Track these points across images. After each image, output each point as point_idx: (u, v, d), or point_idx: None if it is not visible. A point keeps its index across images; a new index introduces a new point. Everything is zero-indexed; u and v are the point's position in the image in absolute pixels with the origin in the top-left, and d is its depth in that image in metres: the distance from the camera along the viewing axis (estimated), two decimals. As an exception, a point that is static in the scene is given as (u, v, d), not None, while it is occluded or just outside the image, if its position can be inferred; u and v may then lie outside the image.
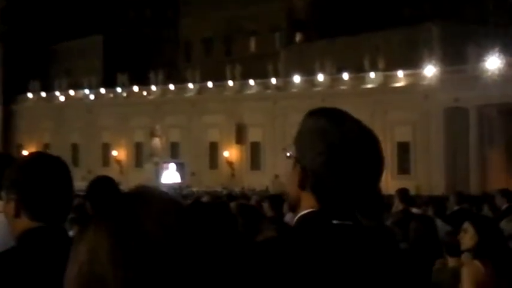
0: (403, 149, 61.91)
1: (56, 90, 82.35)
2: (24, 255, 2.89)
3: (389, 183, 52.59)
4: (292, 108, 61.25)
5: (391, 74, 62.48)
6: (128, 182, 53.55)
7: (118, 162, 76.06)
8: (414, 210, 11.45)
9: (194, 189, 50.87)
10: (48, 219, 2.98)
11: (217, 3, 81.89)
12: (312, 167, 2.31)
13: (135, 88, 76.38)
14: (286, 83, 68.52)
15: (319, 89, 65.40)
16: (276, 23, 79.90)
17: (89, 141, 78.31)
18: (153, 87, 75.98)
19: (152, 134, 61.96)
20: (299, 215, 2.35)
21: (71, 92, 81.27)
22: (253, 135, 69.19)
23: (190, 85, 73.91)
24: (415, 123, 60.57)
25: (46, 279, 2.79)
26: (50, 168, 3.03)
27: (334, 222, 2.28)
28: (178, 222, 1.66)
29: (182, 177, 57.57)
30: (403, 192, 11.23)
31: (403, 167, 61.64)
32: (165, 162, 59.16)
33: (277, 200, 10.36)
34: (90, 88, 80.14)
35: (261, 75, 68.98)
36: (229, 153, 70.50)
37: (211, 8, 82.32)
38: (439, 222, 10.66)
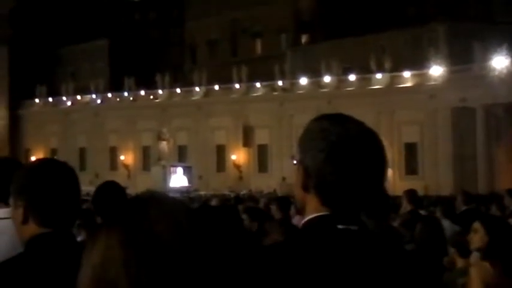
0: (411, 149, 61.89)
1: (63, 94, 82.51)
2: (32, 261, 2.89)
3: (397, 183, 52.64)
4: (298, 110, 61.30)
5: (397, 75, 62.43)
6: (135, 186, 53.78)
7: (125, 166, 76.15)
8: (422, 211, 11.43)
9: (202, 192, 50.89)
10: (56, 224, 2.98)
11: (223, 5, 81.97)
12: (314, 165, 2.31)
13: (142, 91, 76.50)
14: (293, 85, 68.54)
15: (325, 90, 65.41)
16: (282, 24, 79.93)
17: (96, 145, 78.42)
18: (160, 91, 76.08)
19: (159, 138, 61.91)
20: (304, 220, 2.35)
21: (78, 97, 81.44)
22: (260, 137, 69.19)
23: (197, 88, 73.99)
24: (422, 124, 60.53)
25: (54, 284, 2.79)
26: (57, 174, 3.04)
27: (340, 227, 2.28)
28: (188, 225, 1.66)
29: (190, 180, 57.60)
30: (411, 194, 11.23)
31: (411, 168, 61.65)
32: (173, 165, 59.17)
33: (285, 202, 10.38)
34: (96, 92, 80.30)
35: (267, 77, 69.00)
36: (237, 156, 70.53)
37: (217, 10, 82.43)
38: (447, 223, 10.65)
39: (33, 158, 73.84)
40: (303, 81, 67.53)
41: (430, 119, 59.58)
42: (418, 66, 60.44)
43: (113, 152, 78.25)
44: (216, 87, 72.14)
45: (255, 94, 70.28)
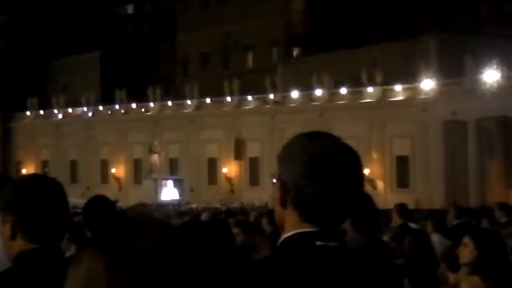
0: (402, 162, 61.95)
1: (54, 107, 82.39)
2: (19, 277, 2.88)
3: (389, 196, 52.71)
4: (290, 123, 61.31)
5: (389, 88, 62.53)
6: (126, 199, 53.67)
7: (117, 178, 75.98)
8: (413, 225, 11.44)
9: (193, 205, 50.76)
10: (44, 240, 2.98)
11: (214, 19, 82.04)
12: (292, 180, 2.31)
13: (133, 104, 76.43)
14: (284, 98, 68.61)
15: (317, 103, 65.48)
16: (274, 37, 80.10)
17: (88, 158, 78.27)
18: (151, 104, 76.02)
19: (151, 150, 61.92)
20: (283, 237, 2.34)
21: (69, 109, 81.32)
22: (252, 150, 69.18)
23: (188, 101, 73.99)
24: (414, 137, 60.61)
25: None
26: (45, 190, 3.03)
27: (318, 243, 2.27)
28: (173, 246, 1.66)
29: (181, 193, 57.56)
30: (401, 207, 11.26)
31: (403, 181, 61.72)
32: (164, 178, 59.15)
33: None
34: (88, 105, 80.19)
35: (259, 90, 69.04)
36: (228, 169, 70.50)
37: (208, 24, 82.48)
38: (438, 237, 10.65)
39: (24, 171, 73.80)
40: (295, 94, 67.61)
41: (421, 132, 59.65)
42: (410, 80, 60.54)
43: (104, 165, 78.09)
44: (208, 100, 72.15)
45: (247, 107, 70.33)
